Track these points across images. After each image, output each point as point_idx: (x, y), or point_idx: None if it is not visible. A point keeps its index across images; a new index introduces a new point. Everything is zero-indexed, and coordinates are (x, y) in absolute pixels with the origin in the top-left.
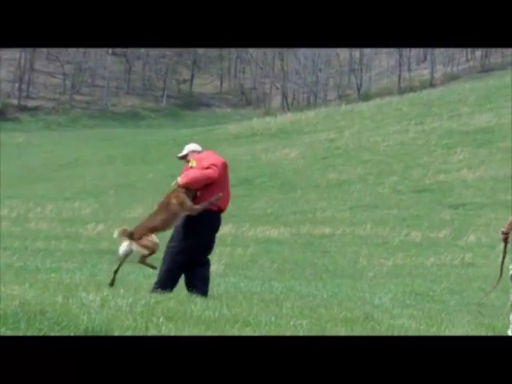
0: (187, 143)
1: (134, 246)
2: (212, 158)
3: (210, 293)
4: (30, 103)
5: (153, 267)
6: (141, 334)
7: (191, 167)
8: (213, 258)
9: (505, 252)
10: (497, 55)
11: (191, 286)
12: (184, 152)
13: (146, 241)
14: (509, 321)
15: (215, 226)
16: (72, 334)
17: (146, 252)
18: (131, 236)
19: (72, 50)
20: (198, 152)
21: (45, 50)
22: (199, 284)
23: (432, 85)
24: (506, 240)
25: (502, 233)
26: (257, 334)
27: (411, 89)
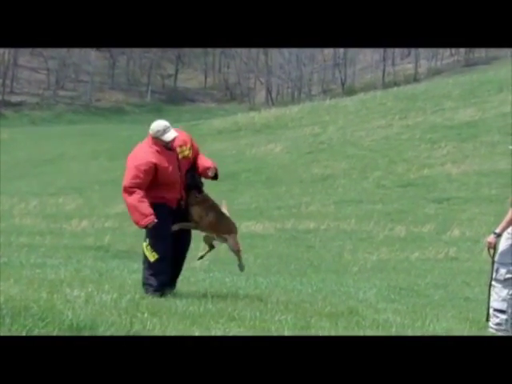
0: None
1: None
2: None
3: (194, 288)
4: (14, 99)
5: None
6: (125, 330)
7: (185, 157)
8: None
9: (494, 254)
10: (480, 50)
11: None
12: (171, 136)
13: None
14: (489, 313)
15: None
16: (57, 330)
17: None
18: None
19: None
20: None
21: None
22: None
23: (416, 79)
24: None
25: (494, 233)
26: (241, 329)
27: (395, 83)
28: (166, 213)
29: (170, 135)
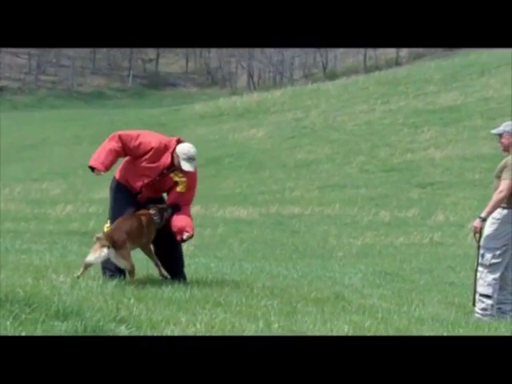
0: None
1: None
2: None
3: None
4: None
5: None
6: (112, 315)
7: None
8: None
9: (479, 238)
10: None
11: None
12: (187, 168)
13: None
14: (475, 298)
15: None
16: (43, 316)
17: None
18: None
19: None
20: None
21: None
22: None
23: (398, 63)
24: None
25: (480, 218)
26: (228, 314)
27: (377, 67)
28: (127, 196)
29: (187, 166)
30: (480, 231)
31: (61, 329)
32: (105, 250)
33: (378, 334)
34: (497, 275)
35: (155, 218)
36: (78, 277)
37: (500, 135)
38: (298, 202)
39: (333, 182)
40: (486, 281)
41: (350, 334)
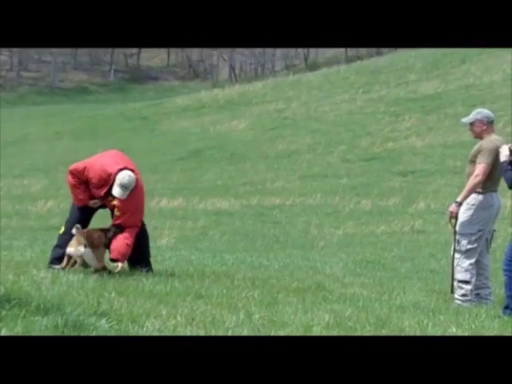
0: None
1: None
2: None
3: (161, 267)
4: None
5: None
6: (93, 309)
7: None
8: (163, 231)
9: (456, 223)
10: None
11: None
12: (116, 193)
13: None
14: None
15: None
16: (24, 311)
17: None
18: None
19: None
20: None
21: None
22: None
23: (379, 53)
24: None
25: (456, 203)
26: (209, 306)
27: (358, 57)
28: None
29: (116, 191)
30: (456, 216)
31: (41, 324)
32: (82, 249)
33: (358, 322)
34: (473, 260)
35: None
36: (63, 268)
37: (471, 123)
38: (280, 192)
39: (314, 172)
40: (462, 267)
41: (330, 323)
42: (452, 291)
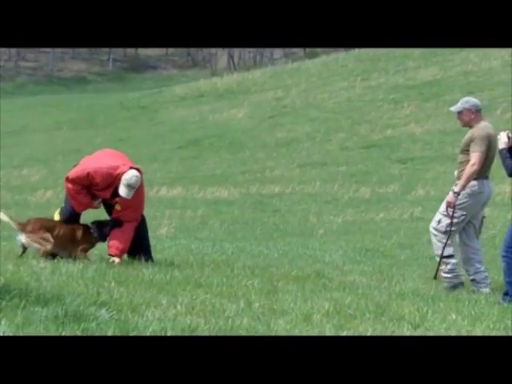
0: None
1: None
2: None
3: (161, 256)
4: None
5: None
6: (92, 299)
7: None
8: (163, 220)
9: (453, 213)
10: None
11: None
12: (124, 194)
13: None
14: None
15: None
16: (24, 302)
17: None
18: None
19: None
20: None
21: None
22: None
23: None
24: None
25: (454, 193)
26: (209, 295)
27: None
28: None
29: (122, 191)
30: (454, 206)
31: (41, 314)
32: (19, 236)
33: (358, 310)
34: (452, 239)
35: (92, 231)
36: (19, 256)
37: (459, 112)
38: (279, 180)
39: (313, 159)
40: (443, 242)
41: (330, 311)
42: (435, 277)
